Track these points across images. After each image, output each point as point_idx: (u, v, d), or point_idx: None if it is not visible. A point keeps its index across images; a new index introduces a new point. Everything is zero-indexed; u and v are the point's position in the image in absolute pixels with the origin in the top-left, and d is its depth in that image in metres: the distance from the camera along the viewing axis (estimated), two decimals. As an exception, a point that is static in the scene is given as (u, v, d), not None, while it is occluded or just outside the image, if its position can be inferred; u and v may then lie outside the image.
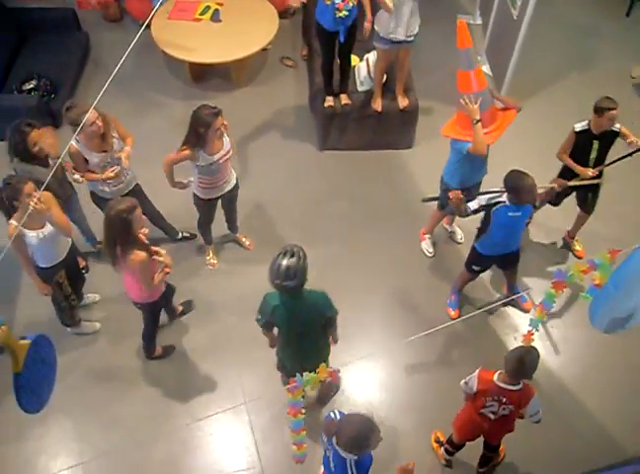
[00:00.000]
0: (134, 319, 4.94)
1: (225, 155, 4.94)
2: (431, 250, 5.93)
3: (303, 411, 3.68)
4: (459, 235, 6.02)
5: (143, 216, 4.33)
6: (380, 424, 3.30)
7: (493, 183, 4.81)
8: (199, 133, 4.68)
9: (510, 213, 4.59)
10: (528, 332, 4.14)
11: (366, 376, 5.20)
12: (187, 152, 4.78)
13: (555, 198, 5.52)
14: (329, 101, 6.45)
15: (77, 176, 4.86)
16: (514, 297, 5.40)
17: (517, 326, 5.47)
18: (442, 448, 4.73)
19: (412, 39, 5.84)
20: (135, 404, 5.04)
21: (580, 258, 5.80)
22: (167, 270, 4.42)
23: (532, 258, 5.83)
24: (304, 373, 3.36)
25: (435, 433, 4.85)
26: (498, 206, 4.58)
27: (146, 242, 4.31)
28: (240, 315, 5.27)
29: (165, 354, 5.29)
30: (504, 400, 3.94)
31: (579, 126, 5.10)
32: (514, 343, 5.31)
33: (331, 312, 4.02)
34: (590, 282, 3.54)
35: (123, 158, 4.94)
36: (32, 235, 4.42)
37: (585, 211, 5.61)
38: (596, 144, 5.09)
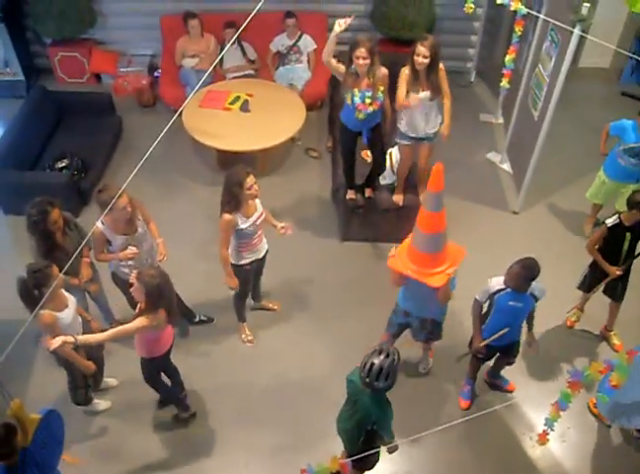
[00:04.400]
0: (146, 403, 4.92)
1: (260, 217, 5.09)
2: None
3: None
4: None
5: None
6: None
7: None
8: (233, 193, 4.81)
9: (510, 302, 4.60)
10: (544, 431, 4.08)
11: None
12: (228, 217, 4.88)
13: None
14: (350, 194, 6.54)
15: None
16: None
17: (532, 425, 5.33)
18: None
19: (432, 136, 5.99)
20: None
21: (618, 352, 5.70)
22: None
23: (570, 348, 5.87)
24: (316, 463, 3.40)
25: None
26: (500, 293, 4.62)
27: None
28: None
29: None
30: None
31: (610, 221, 5.17)
32: (529, 442, 5.20)
33: (383, 433, 3.97)
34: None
35: (161, 255, 5.17)
36: (62, 316, 4.43)
37: (614, 300, 5.65)
38: (628, 236, 5.17)
